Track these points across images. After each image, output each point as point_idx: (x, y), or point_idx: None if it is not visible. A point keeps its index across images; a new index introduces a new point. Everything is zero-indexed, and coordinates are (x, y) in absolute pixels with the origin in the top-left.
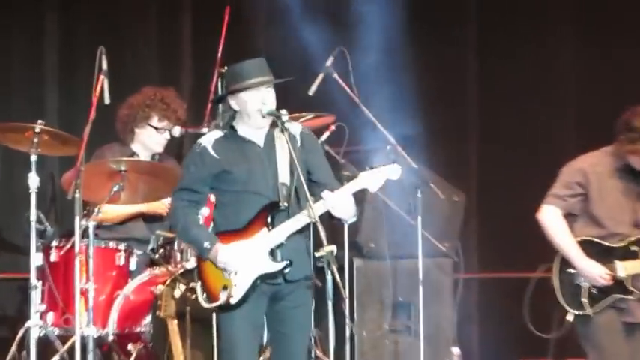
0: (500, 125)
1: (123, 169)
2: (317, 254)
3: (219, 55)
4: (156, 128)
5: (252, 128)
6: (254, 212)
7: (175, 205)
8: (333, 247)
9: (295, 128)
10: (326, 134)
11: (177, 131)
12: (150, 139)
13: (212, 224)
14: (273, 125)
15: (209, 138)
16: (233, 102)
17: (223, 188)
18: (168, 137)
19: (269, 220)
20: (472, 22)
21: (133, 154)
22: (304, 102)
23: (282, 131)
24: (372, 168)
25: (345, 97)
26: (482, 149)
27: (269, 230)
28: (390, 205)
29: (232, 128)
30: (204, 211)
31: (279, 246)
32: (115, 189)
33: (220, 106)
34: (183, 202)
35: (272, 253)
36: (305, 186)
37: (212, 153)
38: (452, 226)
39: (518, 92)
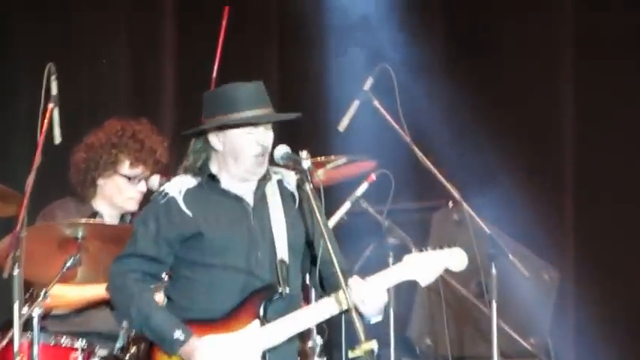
0: (605, 172)
1: (80, 235)
2: (351, 355)
3: (214, 74)
4: (127, 177)
5: (237, 179)
6: (239, 298)
7: (122, 278)
8: (374, 345)
9: (289, 179)
10: (363, 186)
11: (155, 181)
12: (118, 194)
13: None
14: (265, 176)
15: (178, 185)
16: (215, 140)
17: (193, 259)
18: (144, 190)
19: (261, 310)
20: (569, 47)
21: (95, 214)
22: (332, 141)
23: (301, 184)
24: (421, 250)
25: (390, 133)
26: (581, 206)
27: (262, 324)
28: (453, 284)
29: (211, 176)
30: (158, 297)
31: (273, 349)
32: (69, 263)
33: (194, 141)
34: (135, 273)
35: (264, 357)
36: (336, 262)
37: (183, 207)
38: (540, 315)
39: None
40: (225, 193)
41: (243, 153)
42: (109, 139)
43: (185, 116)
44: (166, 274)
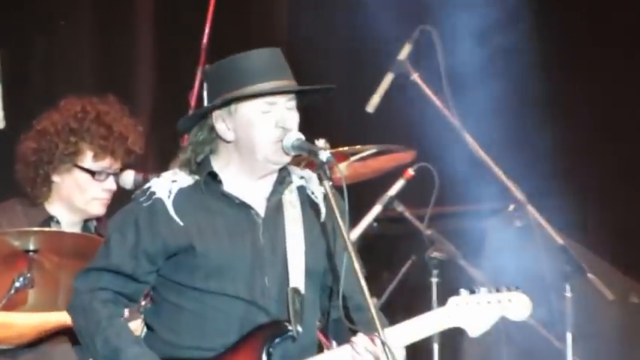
0: None
1: (32, 247)
2: None
3: (204, 41)
4: (90, 172)
5: (250, 176)
6: (236, 335)
7: (89, 298)
8: None
9: (315, 185)
10: (399, 184)
11: (129, 178)
12: (79, 193)
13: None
14: (281, 178)
15: (168, 184)
16: (222, 126)
17: (181, 280)
18: (113, 188)
19: (264, 354)
20: None
21: (50, 219)
22: (358, 126)
23: (319, 183)
24: (473, 291)
25: (432, 116)
26: None
27: None
28: None
29: (211, 175)
30: (134, 325)
31: None
32: (17, 284)
33: (194, 130)
34: (105, 292)
35: None
36: (370, 302)
37: (172, 212)
38: (629, 350)
39: None
40: (228, 199)
41: (259, 138)
42: (67, 123)
43: (166, 95)
44: (145, 296)
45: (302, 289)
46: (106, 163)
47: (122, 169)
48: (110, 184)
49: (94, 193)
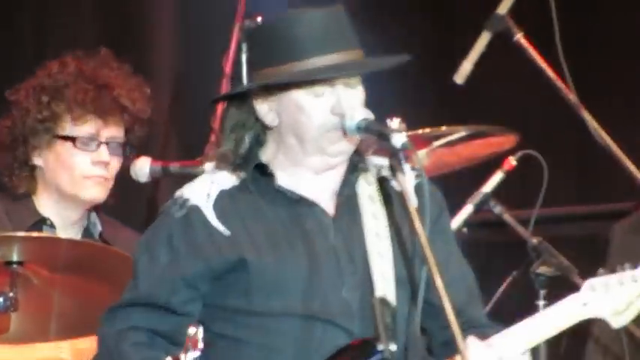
0: None
1: (15, 258)
2: None
3: None
4: (71, 140)
5: (309, 170)
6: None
7: (116, 342)
8: None
9: (405, 173)
10: (496, 177)
11: (144, 167)
12: (64, 172)
13: None
14: (352, 166)
15: (204, 187)
16: (264, 108)
17: (234, 305)
18: (105, 160)
19: None
20: None
21: (41, 222)
22: (444, 103)
23: (392, 175)
24: (614, 271)
25: (542, 91)
26: None
27: None
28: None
29: (260, 168)
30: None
31: None
32: None
33: (230, 112)
34: (137, 333)
35: None
36: (448, 307)
37: (214, 221)
38: None
39: None
40: (285, 196)
41: (310, 126)
42: (39, 83)
43: (192, 60)
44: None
45: (392, 299)
46: (90, 126)
47: (129, 144)
48: (103, 154)
49: (83, 168)
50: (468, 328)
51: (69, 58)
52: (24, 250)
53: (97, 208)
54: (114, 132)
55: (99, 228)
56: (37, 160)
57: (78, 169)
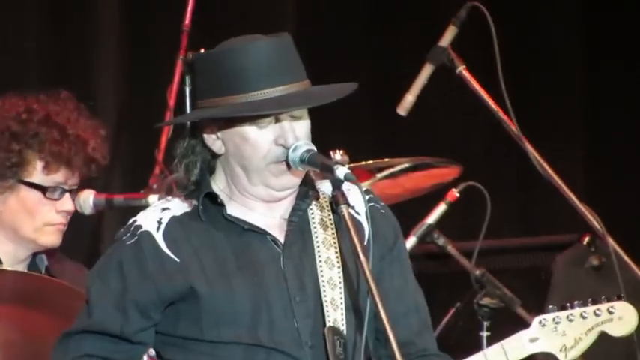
0: None
1: None
2: None
3: (186, 21)
4: (41, 189)
5: (258, 200)
6: None
7: None
8: None
9: (355, 196)
10: (439, 209)
11: (88, 201)
12: (27, 218)
13: None
14: (303, 191)
15: (156, 214)
16: (211, 138)
17: (185, 333)
18: (70, 209)
19: None
20: None
21: None
22: (386, 135)
23: (335, 207)
24: (564, 307)
25: (482, 122)
26: None
27: None
28: None
29: (211, 197)
30: None
31: None
32: None
33: (180, 141)
34: None
35: None
36: (392, 336)
37: (164, 248)
38: None
39: None
40: (235, 225)
41: (253, 158)
42: (7, 127)
43: (137, 91)
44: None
45: (343, 327)
46: (60, 176)
47: (79, 184)
48: (67, 204)
49: (47, 216)
50: (418, 357)
51: (33, 101)
52: None
53: None
54: (76, 179)
55: (45, 262)
56: None
57: (41, 217)
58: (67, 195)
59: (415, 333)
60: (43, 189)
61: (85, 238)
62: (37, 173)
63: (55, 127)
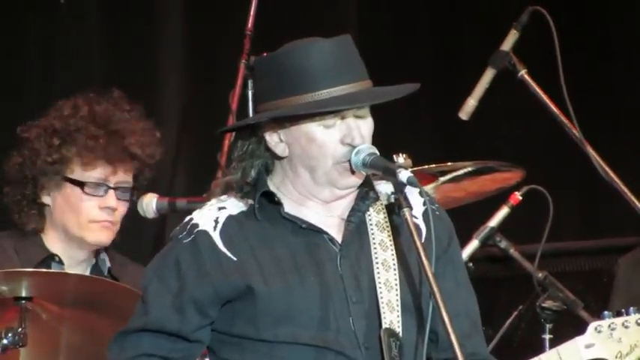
0: None
1: (24, 294)
2: None
3: (249, 25)
4: (79, 184)
5: (317, 199)
6: None
7: None
8: None
9: (412, 198)
10: (502, 213)
11: (151, 205)
12: (72, 214)
13: None
14: (363, 192)
15: (213, 213)
16: (273, 139)
17: (241, 332)
18: (114, 206)
19: None
20: None
21: (51, 257)
22: (449, 139)
23: (397, 210)
24: (620, 313)
25: (547, 126)
26: None
27: None
28: None
29: (268, 195)
30: None
31: None
32: (4, 341)
33: (240, 143)
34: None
35: None
36: (455, 343)
37: (221, 247)
38: None
39: None
40: (292, 224)
41: (320, 158)
42: (50, 125)
43: (200, 96)
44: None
45: (399, 329)
46: (99, 172)
47: (137, 189)
48: (110, 200)
49: (90, 212)
50: None
51: (81, 99)
52: (33, 286)
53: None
54: (122, 177)
55: (107, 264)
56: (46, 199)
57: (85, 213)
58: (112, 192)
59: (465, 336)
60: (81, 184)
61: (148, 241)
62: (77, 169)
63: (94, 122)
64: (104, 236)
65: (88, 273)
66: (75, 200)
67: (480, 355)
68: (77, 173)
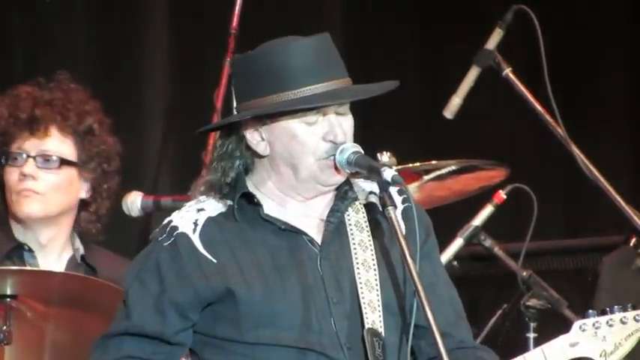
0: None
1: (9, 292)
2: None
3: (233, 24)
4: (3, 157)
5: (299, 197)
6: None
7: None
8: None
9: (392, 194)
10: (486, 211)
11: (135, 202)
12: (8, 195)
13: None
14: (342, 192)
15: (192, 215)
16: (254, 137)
17: (223, 334)
18: (28, 173)
19: None
20: None
21: (18, 247)
22: (433, 137)
23: (381, 209)
24: (604, 312)
25: (530, 124)
26: None
27: None
28: None
29: (247, 196)
30: None
31: None
32: None
33: (220, 142)
34: None
35: None
36: (436, 333)
37: (201, 249)
38: None
39: None
40: (271, 225)
41: (303, 155)
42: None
43: (184, 95)
44: None
45: (381, 329)
46: (18, 143)
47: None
48: (27, 168)
49: (12, 184)
50: (456, 349)
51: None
52: (18, 284)
53: (80, 234)
54: (41, 145)
55: (81, 252)
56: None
57: (10, 186)
58: (30, 160)
59: (451, 324)
60: (3, 156)
61: (133, 239)
62: (5, 147)
63: (19, 97)
64: (29, 207)
65: (65, 263)
66: (5, 177)
67: (467, 342)
68: (4, 149)
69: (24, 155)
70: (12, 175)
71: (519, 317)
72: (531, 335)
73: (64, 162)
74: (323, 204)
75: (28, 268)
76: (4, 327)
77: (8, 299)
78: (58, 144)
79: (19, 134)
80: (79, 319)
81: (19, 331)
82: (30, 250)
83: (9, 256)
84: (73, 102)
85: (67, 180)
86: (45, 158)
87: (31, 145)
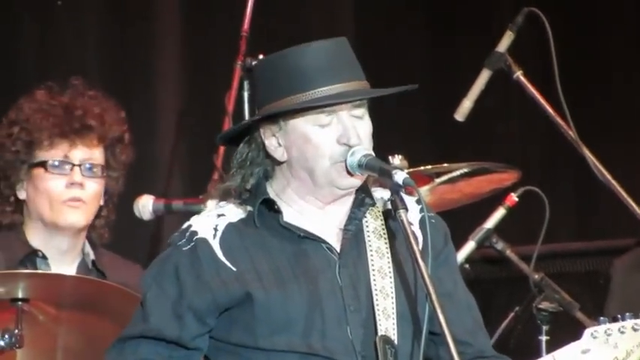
0: None
1: (21, 295)
2: None
3: (245, 27)
4: (43, 165)
5: (318, 201)
6: None
7: None
8: None
9: (409, 204)
10: (498, 214)
11: (146, 206)
12: (44, 201)
13: None
14: (359, 201)
15: (212, 221)
16: (272, 142)
17: (240, 340)
18: (77, 181)
19: None
20: None
21: (33, 254)
22: (445, 140)
23: (393, 213)
24: (616, 319)
25: (542, 127)
26: None
27: None
28: None
29: (267, 202)
30: None
31: None
32: (1, 342)
33: (240, 150)
34: None
35: None
36: (449, 337)
37: (220, 255)
38: None
39: None
40: (291, 232)
41: (317, 158)
42: (8, 117)
43: (196, 97)
44: None
45: (395, 337)
46: (60, 150)
47: (110, 168)
48: (74, 176)
49: (57, 192)
50: (477, 358)
51: (38, 90)
52: (29, 287)
53: (90, 239)
54: (86, 154)
55: (92, 257)
56: (21, 194)
57: (53, 194)
58: (77, 168)
59: (470, 332)
60: (44, 164)
61: (144, 243)
62: (40, 153)
63: (49, 103)
64: (75, 217)
65: (75, 268)
66: (43, 184)
67: (487, 352)
68: (40, 156)
69: (68, 164)
70: (54, 182)
71: (531, 320)
72: (543, 338)
73: (103, 170)
74: (341, 211)
75: (40, 271)
76: (16, 330)
77: (20, 302)
78: (93, 151)
79: (58, 141)
80: (90, 323)
81: (31, 334)
82: (43, 257)
83: (22, 262)
84: (108, 111)
85: (103, 188)
86: (89, 167)
87: (69, 152)
